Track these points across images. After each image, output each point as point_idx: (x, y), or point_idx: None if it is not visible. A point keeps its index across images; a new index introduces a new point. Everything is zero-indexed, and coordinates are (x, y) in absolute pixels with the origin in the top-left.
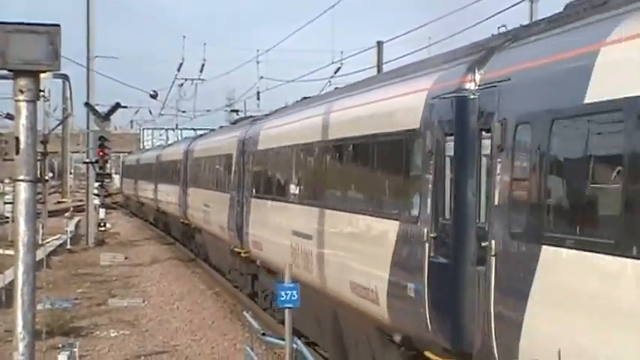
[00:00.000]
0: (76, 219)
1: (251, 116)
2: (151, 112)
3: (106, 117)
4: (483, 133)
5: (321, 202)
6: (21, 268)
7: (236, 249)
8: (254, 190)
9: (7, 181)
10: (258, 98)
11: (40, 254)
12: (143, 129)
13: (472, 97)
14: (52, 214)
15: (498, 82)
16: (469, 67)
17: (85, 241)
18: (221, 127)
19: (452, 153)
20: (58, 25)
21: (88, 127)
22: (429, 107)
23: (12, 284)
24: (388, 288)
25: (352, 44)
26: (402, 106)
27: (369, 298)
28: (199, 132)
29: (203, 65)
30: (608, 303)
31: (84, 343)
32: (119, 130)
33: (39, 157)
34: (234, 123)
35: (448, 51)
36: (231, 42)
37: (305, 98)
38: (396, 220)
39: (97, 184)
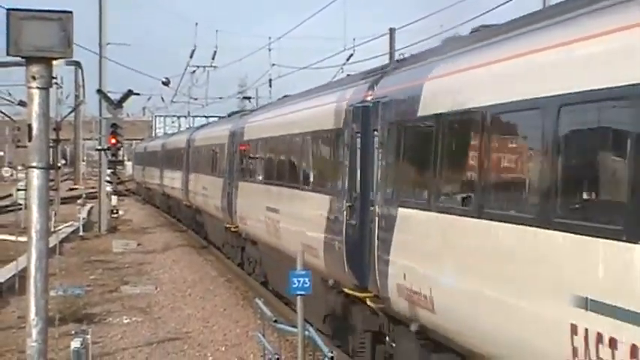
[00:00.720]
0: (89, 206)
1: (242, 110)
2: (163, 100)
3: (118, 104)
4: (375, 132)
5: (283, 183)
6: (34, 255)
7: (227, 225)
8: (240, 175)
9: (19, 168)
10: (270, 85)
11: (53, 241)
12: (155, 116)
13: (370, 106)
14: (65, 201)
15: (381, 97)
16: (369, 86)
17: (98, 228)
18: (218, 119)
19: (359, 146)
20: (70, 12)
21: (100, 115)
22: (347, 113)
23: (25, 271)
24: (324, 245)
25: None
26: (333, 111)
27: (313, 255)
28: (211, 119)
29: (215, 52)
30: (428, 243)
31: (96, 330)
32: (131, 118)
33: (51, 144)
34: (229, 116)
35: (365, 70)
36: (243, 29)
37: (285, 96)
38: (329, 195)
39: (109, 171)
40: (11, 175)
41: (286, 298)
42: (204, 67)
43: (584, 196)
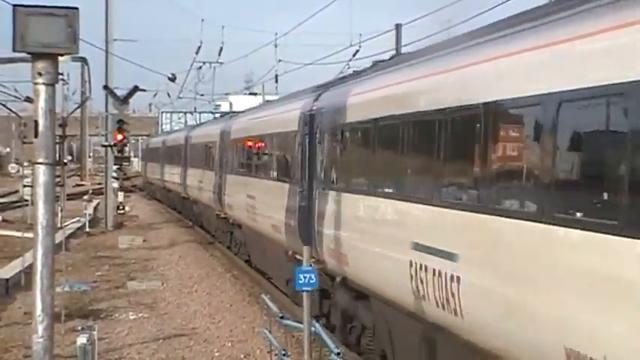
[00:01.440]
0: (95, 202)
1: (232, 111)
2: (169, 95)
3: (124, 100)
4: (317, 135)
5: (258, 175)
6: (40, 251)
7: (218, 212)
8: (228, 168)
9: (26, 164)
10: (276, 81)
11: (59, 237)
12: (162, 112)
13: (314, 114)
14: (71, 197)
15: (320, 108)
16: (315, 98)
17: (104, 224)
18: (212, 119)
19: (307, 145)
20: (76, 9)
21: (106, 111)
22: (300, 118)
23: (31, 267)
24: (285, 225)
25: (371, 27)
26: (292, 116)
27: (277, 232)
28: (217, 115)
29: (221, 48)
30: (344, 216)
31: (103, 326)
32: (138, 114)
33: (58, 140)
34: (222, 116)
35: (317, 84)
36: (249, 25)
37: (267, 102)
38: (288, 183)
39: (115, 167)
40: (17, 171)
41: (267, 274)
42: (210, 63)
43: (411, 173)
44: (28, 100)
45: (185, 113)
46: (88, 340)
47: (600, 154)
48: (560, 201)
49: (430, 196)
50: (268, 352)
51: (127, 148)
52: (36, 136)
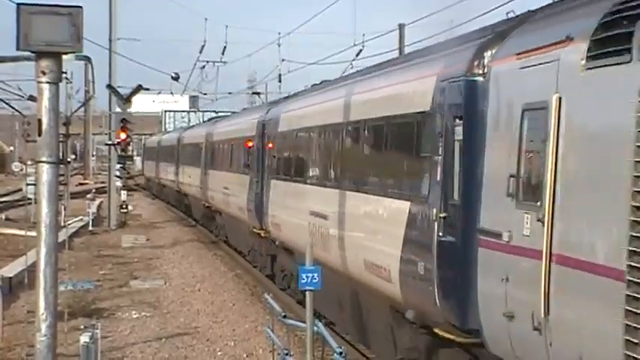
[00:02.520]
0: (98, 201)
1: (218, 116)
2: (172, 94)
3: (127, 99)
4: (265, 138)
5: (229, 169)
6: (43, 250)
7: (202, 202)
8: (209, 165)
9: (29, 162)
10: (279, 81)
11: (62, 236)
12: (165, 111)
13: (264, 123)
14: (75, 195)
15: (268, 119)
16: (266, 111)
17: (107, 222)
18: (203, 122)
19: (260, 146)
20: (80, 7)
21: (110, 109)
22: (258, 125)
23: (34, 266)
24: (246, 208)
25: (374, 27)
26: (251, 125)
27: (242, 213)
28: (221, 114)
29: (225, 48)
30: (277, 196)
31: (106, 325)
32: (141, 112)
33: (61, 139)
34: (209, 120)
35: (270, 101)
36: (252, 24)
37: (245, 108)
38: (248, 175)
39: (118, 166)
40: (21, 169)
41: (238, 248)
42: (213, 62)
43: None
44: (32, 98)
45: (188, 112)
46: (90, 339)
47: (402, 155)
48: (373, 182)
49: (316, 181)
50: (271, 351)
51: (130, 147)
52: (39, 134)
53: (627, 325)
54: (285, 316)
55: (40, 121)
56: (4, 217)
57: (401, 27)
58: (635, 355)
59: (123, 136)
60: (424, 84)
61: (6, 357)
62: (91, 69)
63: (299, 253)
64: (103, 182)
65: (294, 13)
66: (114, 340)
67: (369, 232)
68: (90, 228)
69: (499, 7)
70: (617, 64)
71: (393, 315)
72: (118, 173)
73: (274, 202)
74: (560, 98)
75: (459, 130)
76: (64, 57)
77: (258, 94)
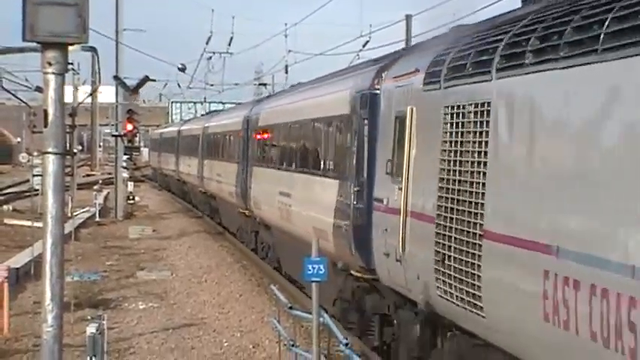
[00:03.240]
0: (105, 192)
1: (213, 110)
2: (179, 86)
3: (134, 90)
4: (249, 132)
5: (221, 159)
6: (49, 241)
7: (200, 189)
8: (205, 155)
9: (35, 153)
10: (286, 72)
11: (69, 227)
12: (172, 102)
13: (249, 119)
14: (81, 186)
15: (251, 115)
16: (251, 108)
17: (114, 213)
18: (201, 115)
19: (246, 138)
20: None
21: (116, 101)
22: (242, 121)
23: (41, 257)
24: (235, 191)
25: (381, 17)
26: (238, 120)
27: (232, 197)
28: (227, 105)
29: (231, 38)
30: (259, 179)
31: (112, 316)
32: (148, 104)
33: (67, 130)
34: (207, 114)
35: (255, 99)
36: (259, 15)
37: (234, 106)
38: (237, 163)
39: (125, 157)
40: (28, 161)
41: (229, 229)
42: (220, 53)
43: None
44: (39, 89)
45: (195, 103)
46: (97, 330)
47: (333, 145)
48: (315, 166)
49: (281, 166)
50: (277, 342)
51: (137, 138)
52: (45, 125)
53: (436, 251)
54: (291, 307)
55: (45, 112)
56: (11, 208)
57: (408, 18)
58: (442, 270)
59: (129, 127)
60: (345, 94)
61: (13, 347)
62: (97, 60)
63: (274, 227)
64: (109, 173)
65: (301, 3)
66: (120, 331)
67: (314, 205)
68: (97, 219)
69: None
70: (435, 89)
71: (332, 267)
72: (124, 164)
73: (255, 185)
74: (412, 109)
75: (365, 129)
76: (70, 48)
77: (264, 85)
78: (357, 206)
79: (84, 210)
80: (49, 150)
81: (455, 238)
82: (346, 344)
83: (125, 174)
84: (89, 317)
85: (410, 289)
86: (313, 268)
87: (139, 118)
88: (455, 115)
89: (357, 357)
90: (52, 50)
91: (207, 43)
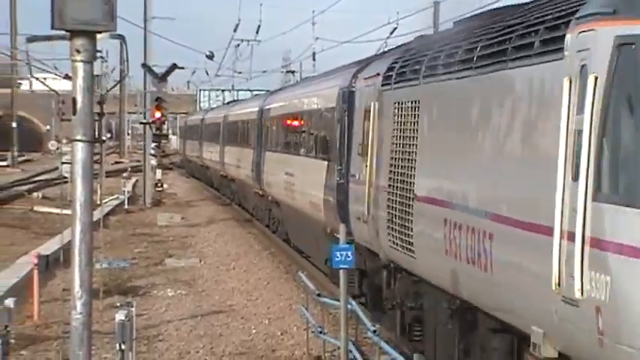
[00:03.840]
0: (134, 179)
1: (233, 101)
2: (207, 73)
3: (162, 78)
4: (263, 121)
5: (239, 144)
6: (78, 228)
7: (220, 173)
8: (225, 141)
9: (64, 141)
10: (314, 59)
11: (98, 214)
12: (200, 90)
13: (263, 110)
14: (110, 174)
15: (265, 106)
16: (264, 100)
17: (143, 201)
18: (223, 104)
19: (261, 126)
20: None
21: (145, 88)
22: (258, 111)
23: (70, 244)
24: (251, 173)
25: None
26: (254, 110)
27: (249, 179)
28: (255, 93)
29: (259, 26)
30: (269, 162)
31: (141, 303)
32: (176, 91)
33: (96, 118)
34: (227, 103)
35: (269, 91)
36: (287, 3)
37: (251, 97)
38: (252, 149)
39: (153, 145)
40: (57, 148)
41: (243, 205)
42: (248, 40)
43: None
44: (68, 77)
45: (223, 91)
46: (126, 317)
47: (324, 132)
48: (311, 149)
49: (286, 151)
50: (305, 329)
51: (165, 126)
52: (74, 113)
53: (387, 212)
54: (319, 295)
55: (74, 99)
56: (40, 195)
57: (436, 4)
58: (391, 227)
59: (158, 114)
60: (333, 90)
61: (43, 334)
62: (125, 48)
63: (283, 203)
64: (138, 161)
65: None
66: (149, 318)
67: (310, 183)
68: (125, 206)
69: None
70: (389, 89)
71: (323, 232)
72: (153, 152)
73: (267, 167)
74: (374, 104)
75: (345, 119)
76: (98, 36)
77: (292, 72)
78: (339, 182)
79: (113, 197)
80: (78, 138)
81: (398, 201)
82: (374, 331)
83: (153, 161)
84: (118, 304)
85: (372, 244)
86: (341, 255)
87: (167, 106)
88: (400, 109)
89: (385, 343)
90: (80, 38)
91: (235, 31)
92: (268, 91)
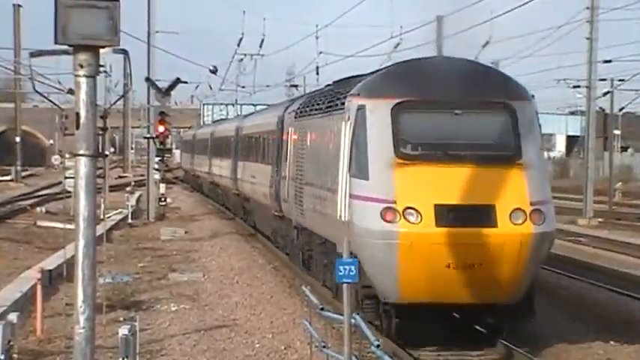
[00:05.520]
0: (137, 193)
1: (225, 118)
2: (211, 88)
3: (166, 92)
4: (238, 137)
5: (219, 156)
6: (81, 243)
7: (209, 180)
8: (213, 153)
9: (67, 155)
10: (317, 73)
11: (101, 229)
12: (203, 104)
13: (237, 128)
14: (114, 188)
15: (240, 126)
16: (240, 120)
17: (146, 215)
18: (212, 122)
19: (237, 141)
20: (117, 0)
21: (148, 103)
22: (234, 129)
23: (73, 259)
24: (230, 177)
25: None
26: (231, 128)
27: (227, 183)
28: (258, 107)
29: (263, 40)
30: (241, 167)
31: (144, 317)
32: (179, 106)
33: (99, 132)
34: (215, 122)
35: (244, 114)
36: (290, 17)
37: (233, 117)
38: (230, 159)
39: (157, 159)
40: (61, 162)
41: (224, 203)
42: (251, 55)
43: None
44: (72, 92)
45: (227, 105)
46: (129, 331)
47: (270, 146)
48: (262, 158)
49: (249, 159)
50: (308, 343)
51: (168, 140)
52: (77, 127)
53: (295, 193)
54: (322, 309)
55: (77, 114)
56: (44, 210)
57: (439, 19)
58: (296, 203)
59: (161, 129)
60: (274, 118)
61: (46, 349)
62: (129, 62)
63: (250, 198)
64: (142, 175)
65: (332, 4)
66: (153, 333)
67: (263, 181)
68: (129, 221)
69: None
70: (296, 120)
71: (272, 214)
72: (156, 166)
73: (239, 173)
74: (291, 129)
75: (280, 137)
76: (102, 50)
77: (296, 86)
78: (276, 179)
79: (116, 212)
80: (81, 152)
81: (299, 187)
82: (377, 345)
83: (157, 175)
84: (121, 319)
85: (291, 215)
86: (345, 270)
87: (171, 120)
88: (300, 132)
89: (389, 358)
90: (83, 53)
91: (238, 45)
92: (268, 105)
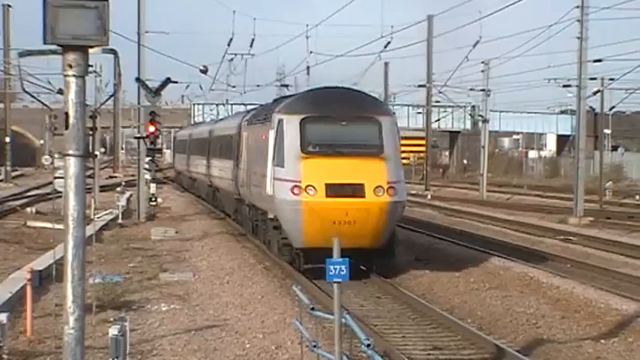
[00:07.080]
0: (128, 194)
1: (202, 122)
2: (201, 87)
3: (156, 92)
4: (211, 138)
5: (200, 155)
6: (71, 243)
7: (188, 176)
8: (192, 152)
9: (57, 156)
10: (308, 73)
11: (91, 229)
12: (194, 104)
13: (210, 131)
14: (104, 188)
15: (212, 129)
16: (212, 124)
17: (137, 215)
18: (193, 124)
19: (211, 142)
20: (106, 0)
21: (138, 102)
22: (209, 132)
23: (63, 259)
24: (205, 172)
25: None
26: (207, 130)
27: (205, 177)
28: (249, 107)
29: (253, 40)
30: (211, 163)
31: (135, 317)
32: (170, 106)
33: (89, 132)
34: (193, 125)
35: (214, 119)
36: (280, 17)
37: (208, 121)
38: (204, 156)
39: (148, 159)
40: (51, 163)
41: (201, 195)
42: (242, 54)
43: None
44: (61, 92)
45: (217, 105)
46: (119, 332)
47: (231, 146)
48: (224, 155)
49: (220, 156)
50: (299, 343)
51: (159, 140)
52: (66, 127)
53: (245, 179)
54: (313, 309)
55: (66, 114)
56: (34, 210)
57: (429, 18)
58: (247, 187)
59: (152, 129)
60: (235, 124)
61: (36, 349)
62: (118, 62)
63: (220, 188)
64: (132, 175)
65: (323, 4)
66: (143, 333)
67: (227, 172)
68: (119, 221)
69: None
70: (247, 126)
71: (235, 198)
72: (147, 166)
73: (211, 168)
74: (245, 133)
75: (239, 140)
76: (91, 50)
77: (286, 86)
78: (235, 171)
79: (106, 212)
80: (70, 152)
81: (248, 174)
82: (368, 345)
83: (147, 175)
84: (111, 319)
85: (245, 196)
86: (335, 269)
87: (161, 120)
88: (250, 135)
89: (380, 357)
90: (72, 53)
91: (229, 45)
92: (261, 105)
